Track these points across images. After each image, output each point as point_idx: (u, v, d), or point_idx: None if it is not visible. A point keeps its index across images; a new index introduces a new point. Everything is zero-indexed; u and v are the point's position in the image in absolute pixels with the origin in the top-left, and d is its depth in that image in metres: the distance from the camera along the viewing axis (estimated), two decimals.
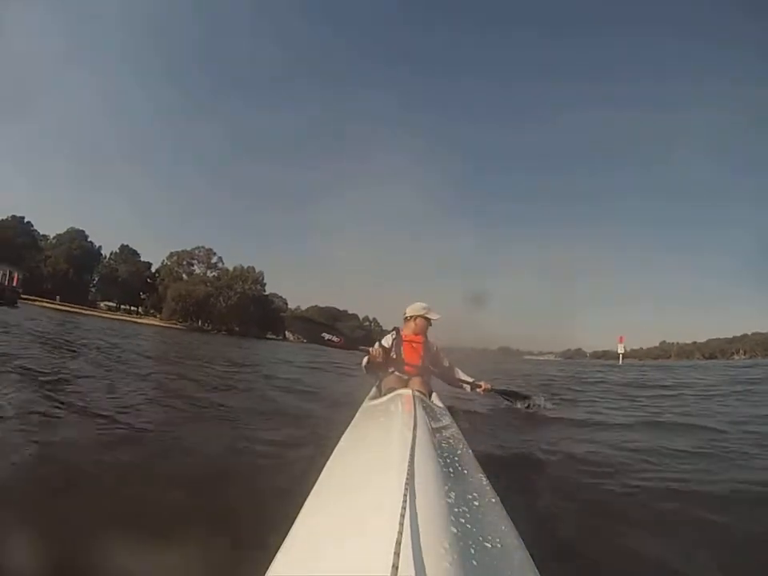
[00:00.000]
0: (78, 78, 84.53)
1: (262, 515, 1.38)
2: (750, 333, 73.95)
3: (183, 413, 3.15)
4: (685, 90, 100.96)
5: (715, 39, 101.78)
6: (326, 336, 2.87)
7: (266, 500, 1.58)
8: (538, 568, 0.69)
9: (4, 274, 27.99)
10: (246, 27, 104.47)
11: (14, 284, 27.10)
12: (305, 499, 0.86)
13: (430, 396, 2.53)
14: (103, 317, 36.66)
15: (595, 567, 1.35)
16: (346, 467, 1.07)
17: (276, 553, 0.68)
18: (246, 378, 6.13)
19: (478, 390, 3.05)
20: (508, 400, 3.87)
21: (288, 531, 0.74)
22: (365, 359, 2.81)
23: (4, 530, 1.33)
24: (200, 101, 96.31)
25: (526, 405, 3.90)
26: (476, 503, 0.83)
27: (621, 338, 36.72)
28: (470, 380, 3.07)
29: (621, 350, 35.29)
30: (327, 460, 1.11)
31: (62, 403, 2.86)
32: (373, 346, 2.80)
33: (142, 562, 1.21)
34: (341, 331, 3.00)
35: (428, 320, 2.85)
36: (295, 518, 0.79)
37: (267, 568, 0.64)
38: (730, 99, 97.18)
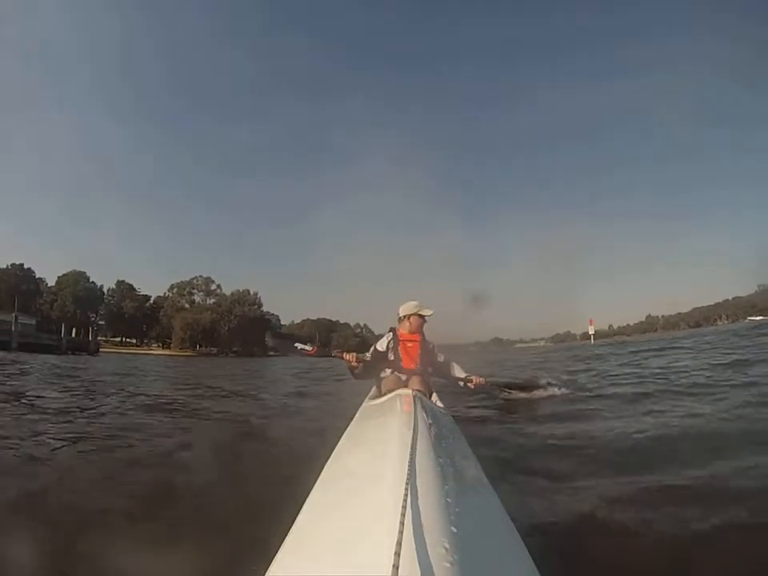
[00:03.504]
0: (47, 117, 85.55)
1: (261, 515, 1.41)
2: (731, 298, 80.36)
3: (186, 417, 3.30)
4: (665, 51, 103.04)
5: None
6: (299, 346, 2.98)
7: (266, 500, 1.61)
8: (538, 568, 0.70)
9: (87, 331, 37.32)
10: (214, 45, 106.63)
11: (91, 337, 35.93)
12: (305, 499, 0.88)
13: (430, 396, 2.56)
14: (120, 352, 41.51)
15: (596, 567, 1.34)
16: (346, 467, 1.10)
17: (276, 553, 0.69)
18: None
19: (469, 384, 3.03)
20: (504, 391, 3.96)
21: (288, 531, 0.75)
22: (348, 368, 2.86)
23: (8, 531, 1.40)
24: (175, 124, 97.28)
25: (525, 394, 3.97)
26: (476, 503, 0.86)
27: (591, 320, 44.39)
28: (463, 375, 3.06)
29: (591, 331, 42.77)
30: (327, 460, 1.13)
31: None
32: (361, 350, 2.89)
33: (143, 561, 1.25)
34: (312, 341, 3.11)
35: (422, 317, 2.90)
36: (295, 517, 0.80)
37: (267, 568, 0.65)
38: (717, 57, 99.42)
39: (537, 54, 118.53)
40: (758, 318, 52.72)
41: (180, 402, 5.01)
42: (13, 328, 27.92)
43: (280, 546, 0.70)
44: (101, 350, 35.67)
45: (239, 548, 1.32)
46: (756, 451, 2.25)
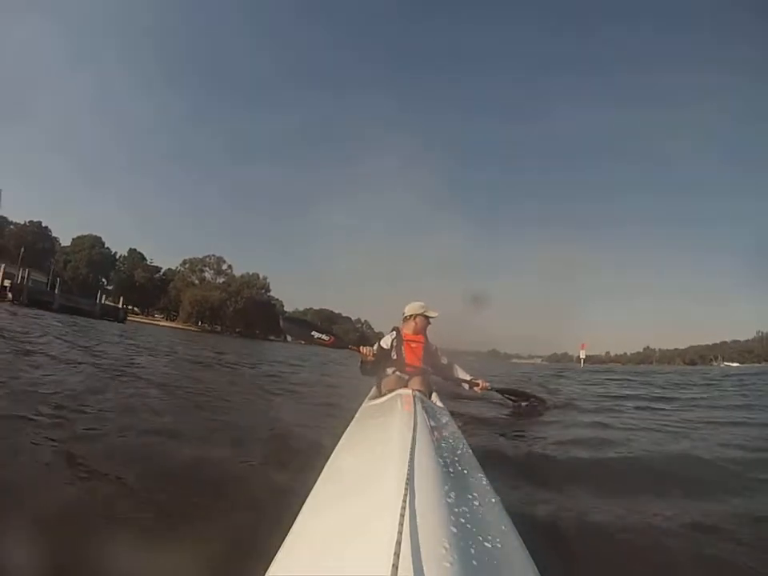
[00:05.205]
0: (79, 82, 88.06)
1: (262, 515, 1.41)
2: (729, 341, 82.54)
3: (182, 407, 3.29)
4: (684, 84, 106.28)
5: (715, 32, 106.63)
6: (317, 335, 2.93)
7: (266, 500, 1.61)
8: (538, 568, 0.70)
9: (115, 300, 40.17)
10: (242, 32, 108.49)
11: (121, 305, 39.48)
12: (305, 499, 0.88)
13: (431, 396, 2.57)
14: (132, 320, 43.17)
15: (596, 567, 1.35)
16: (345, 467, 1.10)
17: (276, 553, 0.69)
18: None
19: (475, 388, 3.08)
20: (508, 399, 4.04)
21: (288, 531, 0.75)
22: (359, 362, 2.86)
23: (7, 529, 1.36)
24: (199, 106, 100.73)
25: (526, 403, 4.07)
26: (476, 503, 0.85)
27: (583, 345, 45.50)
28: (468, 378, 3.12)
29: (582, 356, 43.75)
30: (327, 460, 1.13)
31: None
32: (364, 345, 2.88)
33: (142, 561, 1.24)
34: (330, 331, 3.04)
35: (427, 318, 2.95)
36: (295, 517, 0.80)
37: (267, 568, 0.65)
38: (729, 93, 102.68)
39: (556, 71, 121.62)
40: (733, 364, 53.86)
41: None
42: (56, 291, 30.06)
43: (280, 546, 0.71)
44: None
45: (239, 547, 1.30)
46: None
